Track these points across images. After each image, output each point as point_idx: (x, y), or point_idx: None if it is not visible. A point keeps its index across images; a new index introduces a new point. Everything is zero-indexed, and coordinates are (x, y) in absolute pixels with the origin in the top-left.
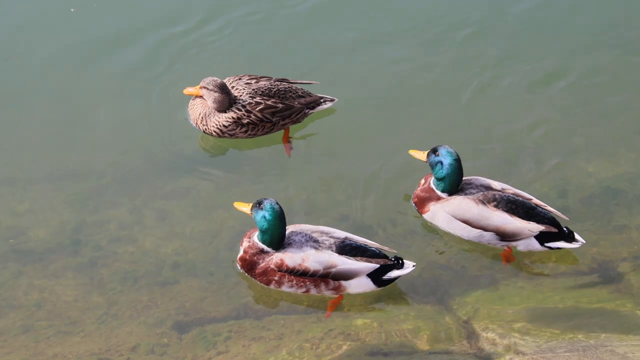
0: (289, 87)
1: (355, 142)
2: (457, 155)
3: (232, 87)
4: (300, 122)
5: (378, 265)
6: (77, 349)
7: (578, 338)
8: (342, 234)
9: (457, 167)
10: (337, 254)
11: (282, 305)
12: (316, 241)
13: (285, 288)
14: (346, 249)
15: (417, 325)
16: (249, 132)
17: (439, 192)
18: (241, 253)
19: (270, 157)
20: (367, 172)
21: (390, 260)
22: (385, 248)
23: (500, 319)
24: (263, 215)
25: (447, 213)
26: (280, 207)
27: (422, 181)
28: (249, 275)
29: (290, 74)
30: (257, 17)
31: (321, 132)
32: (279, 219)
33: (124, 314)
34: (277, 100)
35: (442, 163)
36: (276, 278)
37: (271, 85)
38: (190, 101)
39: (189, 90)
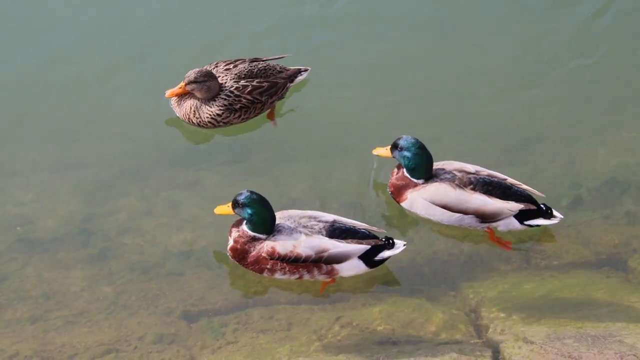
0: (266, 64)
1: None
2: (419, 142)
3: None
4: (283, 97)
5: (369, 247)
6: (86, 339)
7: (586, 328)
8: (330, 217)
9: (423, 153)
10: (327, 238)
11: (290, 295)
12: (305, 226)
13: (278, 275)
14: (336, 232)
15: (425, 314)
16: (242, 116)
17: (414, 180)
18: (231, 243)
19: (274, 141)
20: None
21: (381, 240)
22: (374, 228)
23: (509, 309)
24: (247, 211)
25: (425, 200)
26: (257, 194)
27: (395, 170)
28: (240, 265)
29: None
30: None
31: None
32: (262, 205)
33: (132, 304)
34: (262, 80)
35: (407, 156)
36: (268, 266)
37: (250, 66)
38: (176, 98)
39: (172, 91)
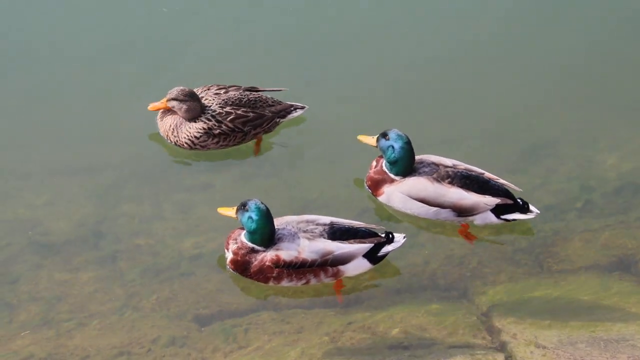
0: (258, 96)
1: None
2: (408, 138)
3: (202, 97)
4: (271, 131)
5: (372, 245)
6: (98, 341)
7: (599, 332)
8: (327, 219)
9: (409, 149)
10: (330, 241)
11: (302, 298)
12: (306, 231)
13: (284, 283)
14: (337, 233)
15: (437, 318)
16: (220, 142)
17: (392, 175)
18: (231, 256)
19: (283, 148)
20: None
21: (382, 237)
22: (373, 226)
23: (521, 313)
24: (249, 217)
25: (402, 194)
26: (265, 206)
27: (374, 163)
28: (242, 277)
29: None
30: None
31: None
32: (266, 218)
33: (144, 307)
34: (248, 110)
35: (393, 147)
36: (274, 275)
37: (241, 95)
38: (160, 113)
39: (154, 105)
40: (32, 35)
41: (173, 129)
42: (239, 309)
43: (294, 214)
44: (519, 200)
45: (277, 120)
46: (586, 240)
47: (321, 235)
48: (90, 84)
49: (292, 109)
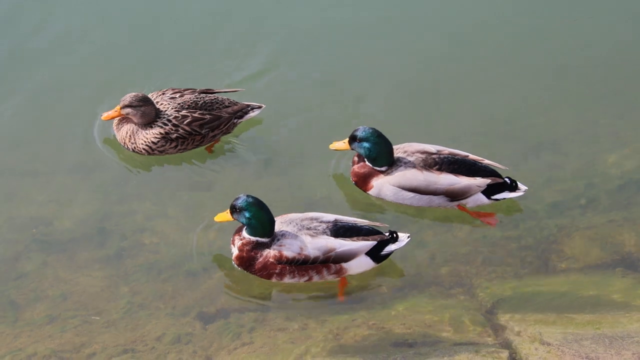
0: (214, 98)
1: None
2: (376, 131)
3: (157, 102)
4: (230, 132)
5: (376, 243)
6: (103, 338)
7: (604, 329)
8: (331, 217)
9: (383, 141)
10: (333, 238)
11: (307, 295)
12: (309, 228)
13: (287, 279)
14: (340, 231)
15: (441, 315)
16: (178, 146)
17: (377, 168)
18: (236, 252)
19: (286, 144)
20: None
21: (385, 235)
22: (377, 224)
23: (526, 310)
24: (244, 215)
25: (393, 185)
26: (254, 198)
27: (356, 159)
28: (247, 272)
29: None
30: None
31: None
32: (260, 208)
33: (149, 304)
34: (204, 112)
35: (367, 147)
36: (277, 271)
37: (196, 98)
38: (116, 120)
39: (108, 115)
40: (33, 34)
41: (130, 136)
42: (244, 306)
43: (300, 212)
44: (507, 180)
45: (235, 120)
46: (590, 238)
47: (324, 233)
48: (93, 82)
49: (249, 108)
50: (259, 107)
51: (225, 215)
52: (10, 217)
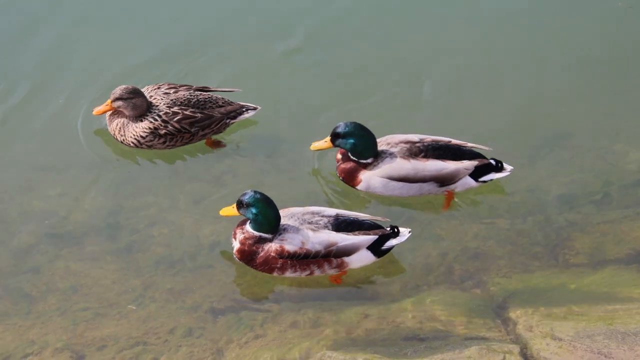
0: (209, 97)
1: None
2: (359, 124)
3: (150, 96)
4: (221, 132)
5: (377, 237)
6: (115, 331)
7: (616, 324)
8: (332, 211)
9: (366, 133)
10: (335, 232)
11: (318, 290)
12: (310, 222)
13: (288, 274)
14: (342, 225)
15: (453, 310)
16: (167, 143)
17: (363, 161)
18: (238, 245)
19: (297, 136)
20: None
21: (387, 229)
22: (378, 218)
23: (537, 305)
24: (251, 211)
25: (382, 177)
26: (261, 194)
27: (339, 155)
28: (248, 266)
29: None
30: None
31: None
32: (267, 205)
33: (160, 297)
34: (196, 110)
35: (352, 142)
36: (278, 265)
37: (190, 95)
38: (109, 114)
39: (99, 109)
40: (49, 25)
41: (120, 128)
42: (255, 300)
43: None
44: (492, 161)
45: (228, 121)
46: (603, 233)
47: (326, 227)
48: (104, 77)
49: (243, 109)
50: (254, 109)
51: (231, 210)
52: (23, 211)
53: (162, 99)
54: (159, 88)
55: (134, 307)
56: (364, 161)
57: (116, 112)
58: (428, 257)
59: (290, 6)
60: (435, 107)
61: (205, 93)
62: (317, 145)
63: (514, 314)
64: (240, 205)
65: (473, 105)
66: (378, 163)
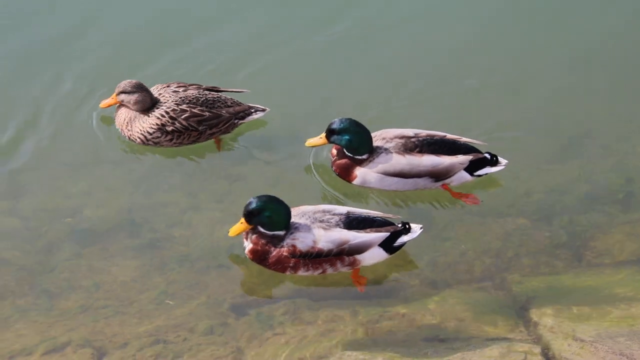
0: (217, 96)
1: None
2: (354, 120)
3: (160, 94)
4: (229, 132)
5: (389, 234)
6: (136, 329)
7: (639, 326)
8: (343, 209)
9: (361, 129)
10: (346, 230)
11: (337, 287)
12: (322, 221)
13: (301, 272)
14: (353, 223)
15: (474, 310)
16: (174, 140)
17: (358, 157)
18: (250, 245)
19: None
20: None
21: (398, 226)
22: (389, 215)
23: (559, 305)
24: (264, 215)
25: (377, 172)
26: (265, 195)
27: (334, 151)
28: (261, 266)
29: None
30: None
31: None
32: (277, 203)
33: (181, 295)
34: (204, 109)
35: (348, 138)
36: (291, 264)
37: (199, 94)
38: (117, 107)
39: (105, 102)
40: (69, 23)
41: (127, 123)
42: (275, 298)
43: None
44: (487, 155)
45: (236, 121)
46: (626, 233)
47: (337, 225)
48: (127, 73)
49: (252, 110)
50: (263, 110)
51: (241, 227)
52: (44, 209)
53: (170, 97)
54: (168, 86)
55: (172, 303)
56: (360, 157)
57: (123, 107)
58: (448, 256)
59: (299, 9)
60: (452, 109)
61: (214, 93)
62: (312, 141)
63: (536, 314)
64: (250, 215)
65: (494, 107)
66: (373, 159)
